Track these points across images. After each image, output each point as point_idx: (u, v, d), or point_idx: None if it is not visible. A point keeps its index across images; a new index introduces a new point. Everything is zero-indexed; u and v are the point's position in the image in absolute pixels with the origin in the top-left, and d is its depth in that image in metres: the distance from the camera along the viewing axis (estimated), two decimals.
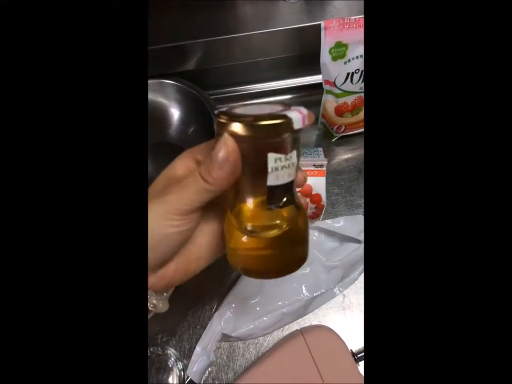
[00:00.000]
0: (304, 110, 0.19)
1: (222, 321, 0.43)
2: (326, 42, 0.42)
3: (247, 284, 0.45)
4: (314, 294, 0.45)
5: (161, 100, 0.50)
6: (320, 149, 0.46)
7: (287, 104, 0.21)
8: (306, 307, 0.44)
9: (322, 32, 0.41)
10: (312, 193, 0.43)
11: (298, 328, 0.43)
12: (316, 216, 0.46)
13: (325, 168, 0.43)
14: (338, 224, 0.46)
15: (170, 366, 0.43)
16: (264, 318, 0.44)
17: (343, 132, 0.52)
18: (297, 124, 0.18)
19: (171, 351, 0.44)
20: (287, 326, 0.44)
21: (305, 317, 0.45)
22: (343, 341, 0.39)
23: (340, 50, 0.42)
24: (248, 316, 0.44)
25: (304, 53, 0.52)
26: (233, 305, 0.44)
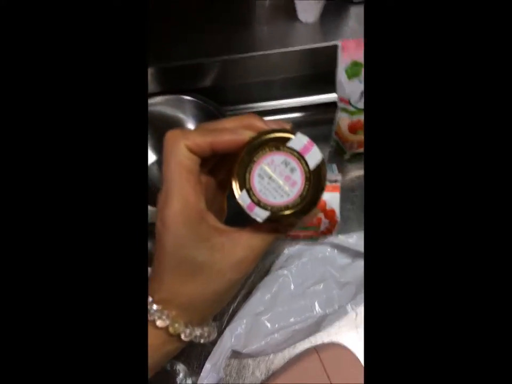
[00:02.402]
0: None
1: (233, 337, 0.42)
2: (342, 61, 0.43)
3: (258, 299, 0.45)
4: (327, 311, 0.44)
5: (179, 114, 0.51)
6: (334, 165, 0.47)
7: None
8: (319, 324, 0.44)
9: (339, 52, 0.43)
10: (327, 208, 0.44)
11: (311, 345, 0.43)
12: (329, 231, 0.46)
13: (339, 184, 0.44)
14: (352, 240, 0.46)
15: (178, 382, 0.42)
16: (276, 335, 0.43)
17: (355, 149, 0.53)
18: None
19: (180, 367, 0.43)
20: (298, 344, 0.43)
21: (317, 334, 0.44)
22: (359, 359, 0.38)
23: (355, 69, 0.44)
24: (260, 332, 0.43)
25: (317, 72, 0.54)
26: (245, 321, 0.43)
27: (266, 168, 0.19)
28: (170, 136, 0.20)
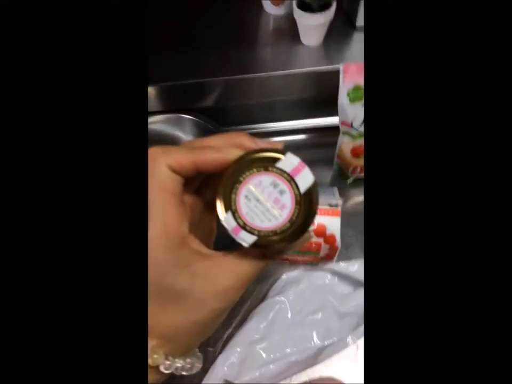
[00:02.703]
0: None
1: (226, 366, 0.40)
2: (344, 85, 0.43)
3: (254, 327, 0.43)
4: (326, 342, 0.42)
5: (179, 133, 0.51)
6: (335, 188, 0.45)
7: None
8: (317, 356, 0.41)
9: (341, 75, 0.42)
10: (326, 233, 0.42)
11: (308, 379, 0.40)
12: (329, 258, 0.45)
13: (340, 208, 0.42)
14: (353, 268, 0.44)
15: None
16: (271, 366, 0.41)
17: (358, 173, 0.51)
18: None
19: None
20: (294, 376, 0.41)
21: (314, 367, 0.41)
22: None
23: (358, 93, 0.43)
24: (254, 362, 0.41)
25: (320, 94, 0.53)
26: (238, 349, 0.41)
27: (254, 189, 0.18)
28: (151, 154, 0.19)
